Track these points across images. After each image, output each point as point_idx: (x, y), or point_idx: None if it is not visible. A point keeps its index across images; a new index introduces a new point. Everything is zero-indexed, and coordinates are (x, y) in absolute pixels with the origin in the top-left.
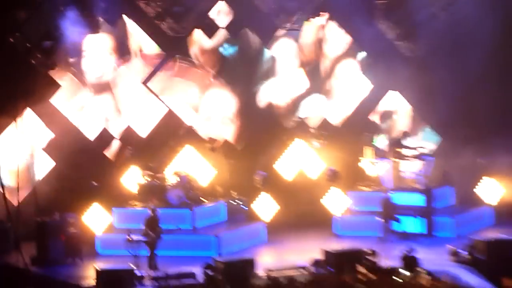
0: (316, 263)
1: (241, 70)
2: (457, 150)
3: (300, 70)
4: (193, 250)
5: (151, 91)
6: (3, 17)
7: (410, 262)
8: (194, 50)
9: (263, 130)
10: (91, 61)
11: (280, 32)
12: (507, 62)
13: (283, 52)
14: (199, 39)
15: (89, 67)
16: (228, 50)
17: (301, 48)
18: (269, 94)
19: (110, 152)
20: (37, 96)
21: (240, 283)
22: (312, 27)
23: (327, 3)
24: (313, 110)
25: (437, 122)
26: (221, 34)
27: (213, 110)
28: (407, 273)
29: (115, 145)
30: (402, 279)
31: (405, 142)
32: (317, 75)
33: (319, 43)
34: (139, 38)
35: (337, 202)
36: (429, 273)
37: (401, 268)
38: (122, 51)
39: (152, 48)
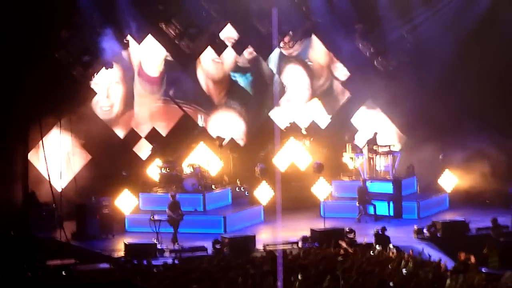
0: (304, 239)
1: (250, 96)
2: (419, 147)
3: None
4: (204, 228)
5: (170, 98)
6: (50, 36)
7: (382, 239)
8: (204, 79)
9: (262, 130)
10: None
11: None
12: (460, 74)
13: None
14: (209, 70)
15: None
16: (240, 78)
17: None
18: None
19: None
20: (77, 101)
21: (243, 255)
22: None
23: (315, 26)
24: (305, 115)
25: (403, 123)
26: (231, 59)
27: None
28: (379, 248)
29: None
30: (374, 253)
31: (377, 141)
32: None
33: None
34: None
35: (322, 190)
36: (397, 248)
37: (374, 243)
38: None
39: (151, 69)
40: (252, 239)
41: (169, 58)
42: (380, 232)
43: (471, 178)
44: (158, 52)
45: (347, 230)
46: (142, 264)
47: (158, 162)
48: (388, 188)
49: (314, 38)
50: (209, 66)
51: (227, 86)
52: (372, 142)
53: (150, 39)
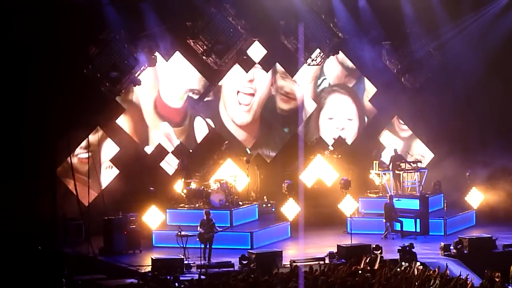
0: (331, 255)
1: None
2: (445, 163)
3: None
4: (231, 244)
5: (200, 115)
6: (78, 53)
7: (408, 255)
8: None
9: (288, 146)
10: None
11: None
12: (486, 90)
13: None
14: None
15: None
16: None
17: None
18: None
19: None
20: (105, 117)
21: (269, 271)
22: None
23: (342, 43)
24: (331, 131)
25: (430, 140)
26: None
27: None
28: (405, 264)
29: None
30: (401, 269)
31: (404, 157)
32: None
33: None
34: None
35: (349, 206)
36: (423, 264)
37: (400, 260)
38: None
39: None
40: (278, 255)
41: (191, 94)
42: (407, 249)
43: (497, 194)
44: (182, 82)
45: (374, 247)
46: (168, 280)
47: (185, 177)
48: (415, 204)
49: (341, 54)
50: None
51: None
52: (397, 158)
53: (177, 56)
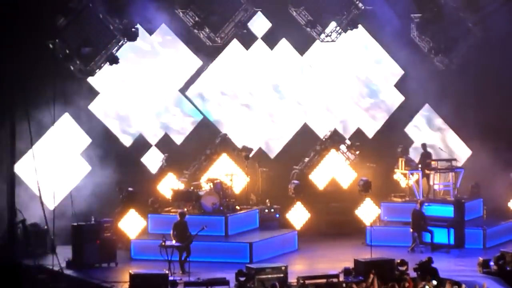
0: (347, 271)
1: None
2: (485, 163)
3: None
4: (226, 257)
5: (187, 98)
6: (43, 23)
7: (427, 271)
8: None
9: (296, 140)
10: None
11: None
12: None
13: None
14: None
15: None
16: None
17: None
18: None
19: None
20: (75, 101)
21: None
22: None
23: (362, 15)
24: (349, 122)
25: (468, 134)
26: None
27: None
28: (435, 283)
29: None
30: None
31: (435, 154)
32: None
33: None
34: None
35: (369, 212)
36: (458, 284)
37: (418, 278)
38: None
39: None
40: (283, 271)
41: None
42: (425, 264)
43: None
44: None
45: (398, 262)
46: None
47: (171, 176)
48: (448, 211)
49: (361, 29)
50: None
51: None
52: (428, 156)
53: (163, 29)
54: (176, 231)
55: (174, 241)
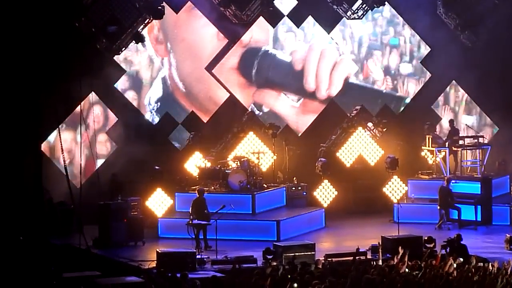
0: (374, 249)
1: None
2: None
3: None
4: (253, 235)
5: (214, 76)
6: (69, 2)
7: (456, 250)
8: None
9: (323, 117)
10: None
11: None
12: None
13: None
14: None
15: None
16: None
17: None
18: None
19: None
20: (102, 80)
21: (299, 268)
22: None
23: None
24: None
25: (495, 111)
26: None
27: None
28: (461, 259)
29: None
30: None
31: (463, 131)
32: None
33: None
34: None
35: (396, 190)
36: (484, 260)
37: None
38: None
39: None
40: (310, 249)
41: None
42: (453, 241)
43: None
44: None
45: (426, 239)
46: (177, 278)
47: (198, 154)
48: (475, 188)
49: (387, 6)
50: None
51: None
52: (455, 132)
53: (189, 7)
54: (194, 208)
55: (191, 218)
